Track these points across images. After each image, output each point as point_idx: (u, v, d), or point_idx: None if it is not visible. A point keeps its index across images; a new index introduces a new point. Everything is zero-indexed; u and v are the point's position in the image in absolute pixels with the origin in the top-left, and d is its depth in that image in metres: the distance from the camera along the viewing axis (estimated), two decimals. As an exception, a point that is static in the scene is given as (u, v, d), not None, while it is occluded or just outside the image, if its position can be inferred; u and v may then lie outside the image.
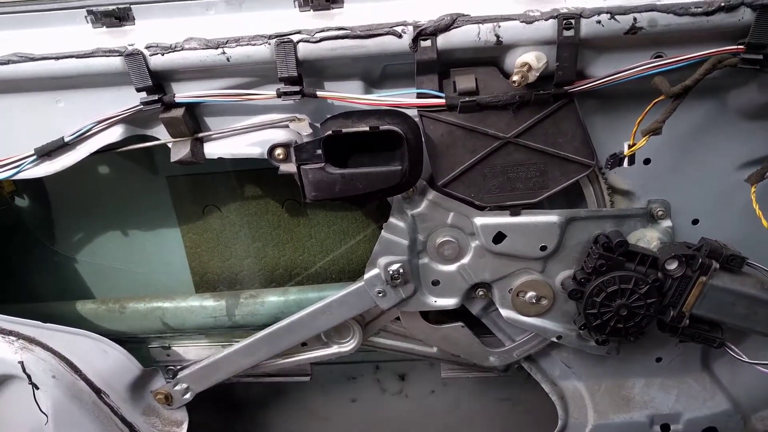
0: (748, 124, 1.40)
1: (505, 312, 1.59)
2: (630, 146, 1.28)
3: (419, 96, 1.37)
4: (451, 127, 1.39)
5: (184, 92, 1.39)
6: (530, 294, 1.55)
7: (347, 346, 1.81)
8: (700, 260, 1.37)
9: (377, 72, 1.40)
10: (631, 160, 1.32)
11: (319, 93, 1.36)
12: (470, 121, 1.38)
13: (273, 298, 1.93)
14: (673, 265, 1.40)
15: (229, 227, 1.96)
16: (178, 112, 1.39)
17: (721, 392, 1.72)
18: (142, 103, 1.37)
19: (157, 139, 1.48)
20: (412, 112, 1.38)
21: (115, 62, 1.32)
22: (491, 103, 1.35)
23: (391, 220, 1.48)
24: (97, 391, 1.74)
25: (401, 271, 1.51)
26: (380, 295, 1.56)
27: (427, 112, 1.38)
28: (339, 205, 1.88)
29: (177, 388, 1.76)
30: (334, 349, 1.83)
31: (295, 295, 1.92)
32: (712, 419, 1.75)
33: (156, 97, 1.37)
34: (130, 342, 2.03)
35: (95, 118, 1.40)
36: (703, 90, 1.35)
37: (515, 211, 1.46)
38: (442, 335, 1.71)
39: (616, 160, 1.29)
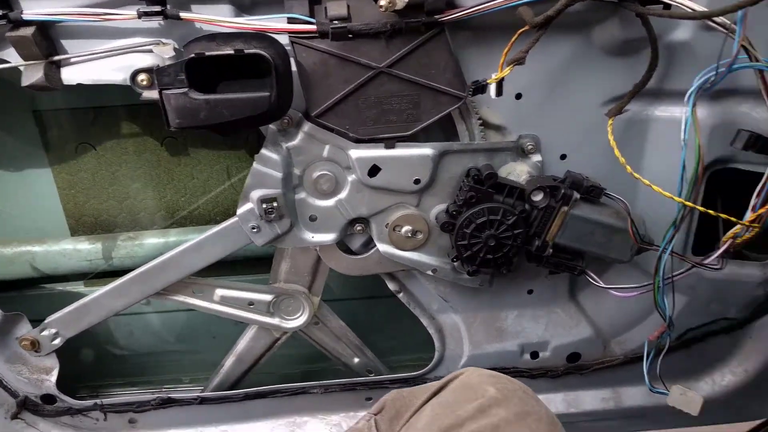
0: (612, 61, 1.45)
1: (382, 247, 1.60)
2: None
3: (290, 21, 1.33)
4: (324, 56, 1.36)
5: (34, 9, 1.28)
6: (406, 228, 1.57)
7: (292, 322, 1.79)
8: (563, 191, 1.43)
9: (247, -6, 1.35)
10: (500, 90, 1.32)
11: (182, 14, 1.28)
12: (343, 49, 1.36)
13: (152, 240, 1.88)
14: (538, 197, 1.45)
15: (105, 167, 1.86)
16: (28, 31, 1.28)
17: (585, 320, 1.83)
18: (-16, 19, 1.25)
19: (8, 62, 1.36)
20: (284, 40, 1.34)
21: (-53, -31, 1.20)
22: (363, 30, 1.32)
23: (263, 151, 1.45)
24: (-48, 339, 1.63)
25: (275, 204, 1.48)
26: (254, 230, 1.53)
27: (298, 38, 1.34)
28: (221, 143, 1.83)
29: (44, 333, 1.67)
30: (275, 321, 1.78)
31: (176, 237, 1.87)
32: (577, 345, 1.85)
33: (0, 13, 1.26)
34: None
35: (-70, 35, 1.27)
36: (571, 25, 1.38)
37: (390, 143, 1.46)
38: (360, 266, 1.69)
39: (479, 87, 1.31)
